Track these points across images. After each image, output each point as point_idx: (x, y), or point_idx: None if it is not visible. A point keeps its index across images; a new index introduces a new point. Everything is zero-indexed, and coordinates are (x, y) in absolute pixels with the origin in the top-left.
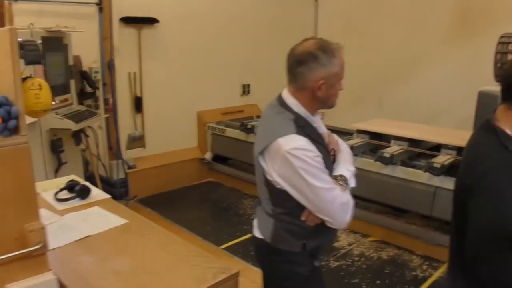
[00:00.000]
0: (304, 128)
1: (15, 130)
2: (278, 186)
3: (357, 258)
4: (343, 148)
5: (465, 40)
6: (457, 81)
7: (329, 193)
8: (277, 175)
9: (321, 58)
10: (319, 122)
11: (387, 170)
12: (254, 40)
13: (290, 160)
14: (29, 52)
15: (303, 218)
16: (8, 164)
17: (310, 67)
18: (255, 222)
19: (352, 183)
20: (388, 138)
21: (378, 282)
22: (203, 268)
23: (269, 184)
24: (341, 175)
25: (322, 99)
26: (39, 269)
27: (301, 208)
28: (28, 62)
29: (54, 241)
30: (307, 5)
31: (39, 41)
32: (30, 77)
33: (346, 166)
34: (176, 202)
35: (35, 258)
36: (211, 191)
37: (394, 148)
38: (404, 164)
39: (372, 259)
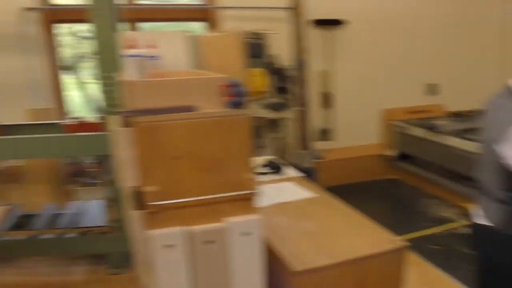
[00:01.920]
0: None
1: (243, 105)
2: None
3: None
4: None
5: None
6: None
7: None
8: None
9: None
10: None
11: None
12: (442, 40)
13: None
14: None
15: None
16: (236, 129)
17: None
18: (477, 211)
19: None
20: None
21: None
22: (378, 237)
23: (506, 170)
24: None
25: None
26: (249, 210)
27: None
28: (252, 56)
29: None
30: (494, 4)
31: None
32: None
33: None
34: (357, 194)
35: (247, 202)
36: (392, 187)
37: None
38: None
39: None
